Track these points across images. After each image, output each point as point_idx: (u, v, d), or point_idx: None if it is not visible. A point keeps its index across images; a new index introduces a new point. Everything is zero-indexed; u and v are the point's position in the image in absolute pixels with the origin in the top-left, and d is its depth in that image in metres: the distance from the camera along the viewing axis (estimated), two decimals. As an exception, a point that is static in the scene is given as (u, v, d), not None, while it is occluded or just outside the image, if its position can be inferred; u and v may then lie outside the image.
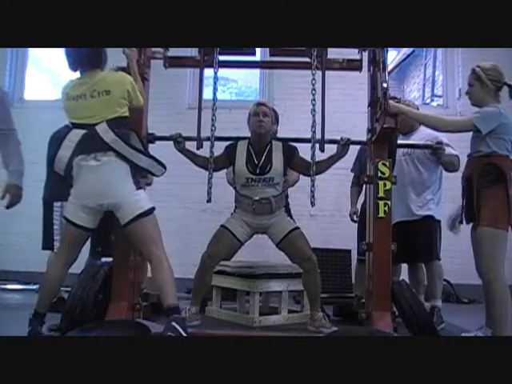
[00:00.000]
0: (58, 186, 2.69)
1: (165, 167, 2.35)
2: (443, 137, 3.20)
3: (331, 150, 2.70)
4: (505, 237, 2.46)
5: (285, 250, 2.71)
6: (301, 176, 3.14)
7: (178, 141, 2.66)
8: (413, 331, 2.44)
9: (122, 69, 2.52)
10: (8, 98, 2.92)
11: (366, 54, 2.82)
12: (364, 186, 2.88)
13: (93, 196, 2.22)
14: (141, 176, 2.37)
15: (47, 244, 3.34)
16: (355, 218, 3.70)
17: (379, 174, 2.58)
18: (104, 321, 2.40)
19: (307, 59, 2.73)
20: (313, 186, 2.64)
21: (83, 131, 2.22)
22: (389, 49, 2.64)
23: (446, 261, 3.62)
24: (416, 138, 3.32)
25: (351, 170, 3.71)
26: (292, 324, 2.78)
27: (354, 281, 4.73)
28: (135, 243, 2.34)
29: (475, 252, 2.59)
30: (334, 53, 2.88)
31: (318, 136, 2.66)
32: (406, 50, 7.62)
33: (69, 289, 2.54)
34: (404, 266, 3.52)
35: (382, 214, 2.57)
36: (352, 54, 2.94)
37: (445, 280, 4.07)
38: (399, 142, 3.10)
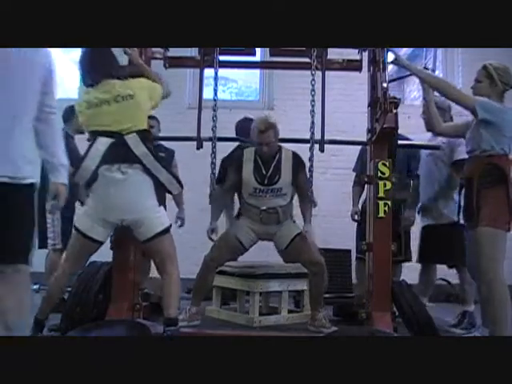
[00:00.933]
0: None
1: (182, 186, 2.29)
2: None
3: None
4: (504, 237, 2.46)
5: (292, 255, 2.68)
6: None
7: (211, 239, 2.68)
8: (413, 331, 2.44)
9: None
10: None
11: (365, 54, 2.82)
12: (365, 185, 2.88)
13: (115, 210, 2.15)
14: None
15: (42, 243, 3.31)
16: (356, 218, 3.68)
17: (379, 174, 2.58)
18: (104, 321, 2.40)
19: (307, 59, 2.73)
20: (312, 186, 2.65)
21: (110, 140, 2.14)
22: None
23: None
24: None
25: (353, 170, 3.70)
26: (292, 324, 2.78)
27: (354, 281, 4.75)
28: (152, 258, 2.34)
29: (471, 251, 2.59)
30: (333, 53, 2.89)
31: (318, 136, 2.66)
32: (406, 50, 7.62)
33: (69, 289, 2.53)
34: (408, 266, 3.52)
35: (381, 214, 2.57)
36: (352, 54, 2.94)
37: (445, 280, 4.09)
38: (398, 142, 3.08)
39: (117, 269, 2.57)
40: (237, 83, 6.33)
